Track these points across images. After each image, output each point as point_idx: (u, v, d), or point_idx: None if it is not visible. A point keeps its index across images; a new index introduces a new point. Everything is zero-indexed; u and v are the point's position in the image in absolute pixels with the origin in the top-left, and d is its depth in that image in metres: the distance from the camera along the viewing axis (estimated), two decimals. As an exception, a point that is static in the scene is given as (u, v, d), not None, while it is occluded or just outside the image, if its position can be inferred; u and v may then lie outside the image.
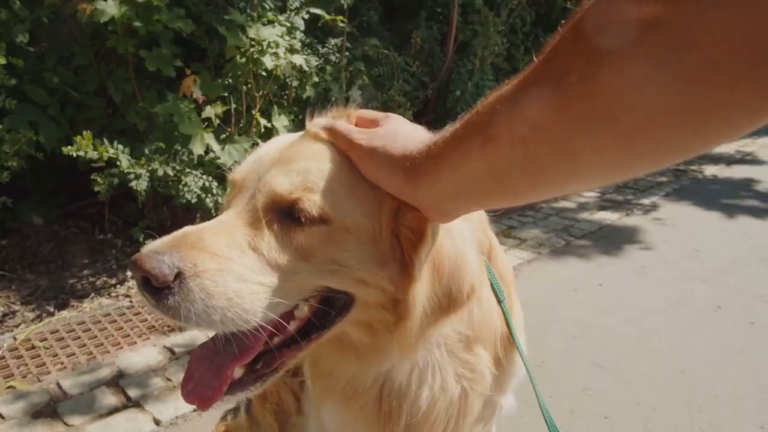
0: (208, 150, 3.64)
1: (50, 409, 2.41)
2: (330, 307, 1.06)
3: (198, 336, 2.96)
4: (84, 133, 3.00)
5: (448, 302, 1.09)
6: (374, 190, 1.00)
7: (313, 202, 0.97)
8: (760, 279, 3.74)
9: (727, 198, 5.70)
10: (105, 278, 3.68)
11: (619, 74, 0.57)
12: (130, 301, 3.35)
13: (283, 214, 0.98)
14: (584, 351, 2.90)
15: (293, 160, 1.02)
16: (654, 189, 5.93)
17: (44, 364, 2.72)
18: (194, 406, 2.38)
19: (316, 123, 1.12)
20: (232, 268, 0.93)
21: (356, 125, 1.09)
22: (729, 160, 7.31)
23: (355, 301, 1.06)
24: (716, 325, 3.16)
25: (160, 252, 0.90)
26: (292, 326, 1.06)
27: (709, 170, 6.78)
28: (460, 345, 1.22)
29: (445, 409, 1.25)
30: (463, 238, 1.11)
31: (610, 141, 0.62)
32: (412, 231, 0.99)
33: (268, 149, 1.11)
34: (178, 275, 0.89)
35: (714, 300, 3.45)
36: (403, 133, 0.98)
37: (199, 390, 1.02)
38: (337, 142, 1.05)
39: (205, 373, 1.03)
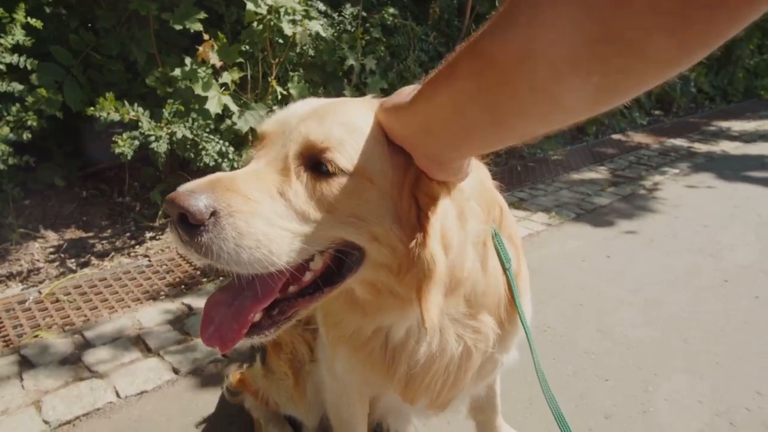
0: (224, 114, 3.70)
1: (75, 356, 2.53)
2: (342, 263, 1.12)
3: (209, 292, 3.06)
4: (107, 94, 3.07)
5: (449, 281, 1.12)
6: (402, 152, 1.06)
7: (341, 153, 1.02)
8: (767, 254, 3.77)
9: (739, 175, 5.67)
10: (125, 239, 3.79)
11: (551, 12, 0.65)
12: (149, 261, 3.46)
13: (312, 165, 1.04)
14: (589, 318, 2.96)
15: (327, 115, 1.08)
16: (666, 166, 5.92)
17: (68, 316, 2.84)
18: (212, 354, 2.49)
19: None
20: (262, 212, 0.98)
21: None
22: (746, 139, 7.24)
23: (365, 258, 1.11)
24: (722, 298, 3.21)
25: (196, 191, 0.95)
26: (307, 277, 1.12)
27: (725, 149, 6.73)
28: (462, 314, 1.29)
29: (445, 365, 1.33)
30: (467, 230, 1.14)
31: (547, 74, 0.70)
32: (428, 197, 1.05)
33: (299, 106, 1.17)
34: (213, 214, 0.94)
35: (721, 274, 3.49)
36: (409, 89, 1.04)
37: (220, 332, 1.07)
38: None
39: (225, 316, 1.08)
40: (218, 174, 1.04)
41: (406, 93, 1.02)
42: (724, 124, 8.16)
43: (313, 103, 1.17)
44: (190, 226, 0.94)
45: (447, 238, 1.07)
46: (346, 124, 1.06)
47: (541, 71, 0.69)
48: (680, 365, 2.59)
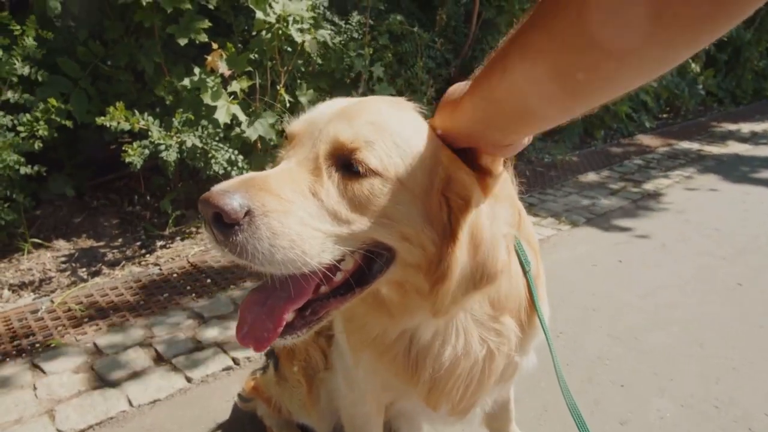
0: (233, 122, 3.72)
1: (88, 365, 2.53)
2: (372, 263, 1.12)
3: (221, 301, 3.07)
4: (117, 104, 3.10)
5: (480, 277, 1.13)
6: (432, 153, 1.08)
7: (371, 154, 1.02)
8: (782, 258, 3.73)
9: (749, 177, 5.63)
10: (135, 248, 3.81)
11: None
12: (160, 269, 3.47)
13: (342, 165, 1.04)
14: (601, 323, 2.94)
15: (357, 115, 1.08)
16: (676, 170, 5.88)
17: (80, 325, 2.85)
18: (224, 365, 2.49)
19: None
20: (296, 211, 0.98)
21: None
22: (755, 143, 7.19)
23: (395, 258, 1.11)
24: (736, 302, 3.17)
25: (230, 191, 0.95)
26: (338, 277, 1.12)
27: (734, 152, 6.68)
28: (487, 316, 1.29)
29: (468, 368, 1.32)
30: (499, 225, 1.15)
31: (597, 58, 0.72)
32: (460, 198, 1.06)
33: (327, 106, 1.17)
34: (247, 213, 0.94)
35: (734, 277, 3.46)
36: (461, 85, 1.08)
37: (255, 332, 1.07)
38: None
39: (259, 316, 1.08)
40: (251, 173, 1.04)
41: (458, 90, 1.05)
42: (733, 127, 8.11)
43: (341, 102, 1.17)
44: (224, 225, 0.94)
45: (478, 236, 1.08)
46: (376, 123, 1.06)
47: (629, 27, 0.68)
48: (695, 370, 2.56)
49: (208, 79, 3.56)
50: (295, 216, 0.98)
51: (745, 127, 8.09)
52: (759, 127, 8.16)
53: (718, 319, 2.98)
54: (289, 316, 1.08)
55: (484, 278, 1.14)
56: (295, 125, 1.17)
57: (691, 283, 3.40)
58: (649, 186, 5.32)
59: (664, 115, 8.55)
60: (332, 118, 1.09)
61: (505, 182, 1.23)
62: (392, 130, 1.07)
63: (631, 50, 0.70)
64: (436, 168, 1.08)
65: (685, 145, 6.96)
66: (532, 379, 2.18)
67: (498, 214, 1.15)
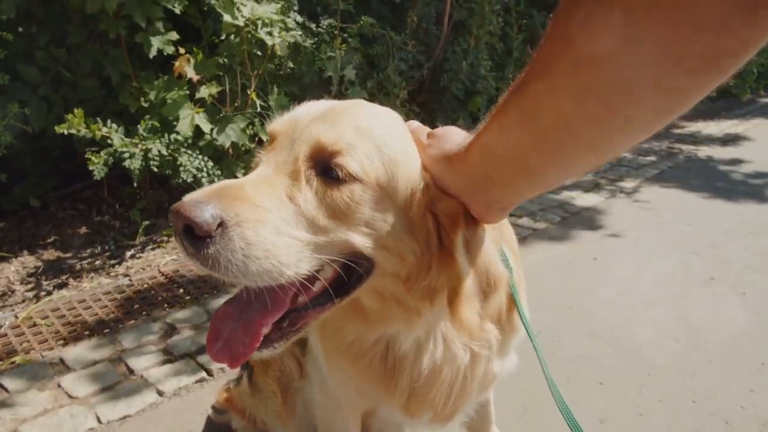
0: (199, 131, 3.64)
1: (54, 382, 2.44)
2: (351, 272, 1.08)
3: (194, 311, 2.99)
4: (75, 110, 3.00)
5: (488, 284, 1.14)
6: (418, 165, 1.06)
7: (352, 158, 0.99)
8: (751, 250, 3.80)
9: (719, 175, 5.75)
10: (104, 258, 3.70)
11: (595, 42, 0.65)
12: (130, 280, 3.38)
13: (323, 169, 1.00)
14: (579, 321, 2.94)
15: (341, 117, 1.05)
16: (647, 167, 5.97)
17: (46, 340, 2.75)
18: (197, 377, 2.42)
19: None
20: (271, 220, 0.94)
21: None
22: (723, 140, 7.35)
23: (375, 268, 1.08)
24: (709, 295, 3.21)
25: (203, 201, 0.90)
26: (316, 287, 1.07)
27: (703, 149, 6.82)
28: None
29: (451, 375, 1.29)
30: (488, 232, 1.15)
31: (597, 109, 0.71)
32: (448, 216, 1.04)
33: (309, 107, 1.13)
34: (220, 225, 0.90)
35: (707, 271, 3.50)
36: (456, 132, 1.06)
37: (230, 347, 1.02)
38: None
39: (234, 331, 1.03)
40: (226, 181, 0.99)
41: (455, 139, 1.02)
42: (701, 125, 8.28)
43: (326, 104, 1.14)
44: (196, 237, 0.89)
45: (475, 245, 1.08)
46: (360, 127, 1.02)
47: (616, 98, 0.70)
48: (672, 365, 2.58)
49: (175, 86, 3.48)
50: (271, 225, 0.94)
51: (712, 125, 8.27)
52: (726, 124, 8.35)
53: (693, 314, 3.00)
54: (265, 329, 1.04)
55: (492, 285, 1.14)
56: (276, 124, 1.13)
57: (666, 278, 3.43)
58: (621, 184, 5.38)
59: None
60: (315, 118, 1.06)
61: None
62: (376, 135, 1.03)
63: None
64: (421, 181, 1.05)
65: (655, 143, 7.08)
66: (511, 380, 2.15)
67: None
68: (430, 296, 1.10)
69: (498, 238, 1.27)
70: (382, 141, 1.03)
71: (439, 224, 1.05)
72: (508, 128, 0.84)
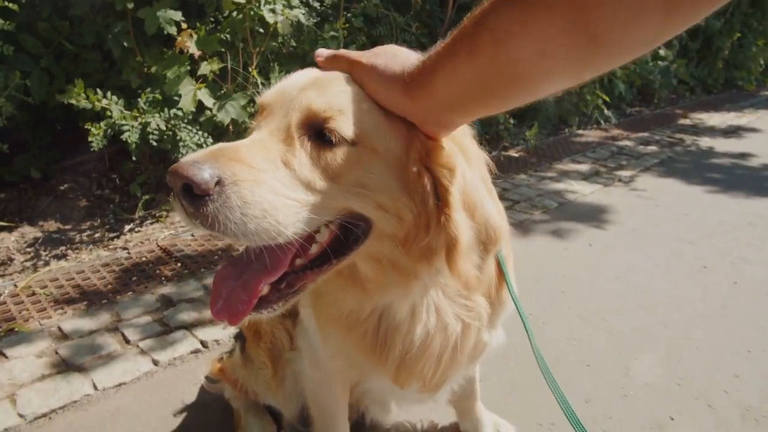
0: (202, 107, 3.64)
1: (51, 350, 2.48)
2: (348, 234, 1.11)
3: (191, 285, 3.03)
4: (76, 81, 3.01)
5: (487, 236, 1.13)
6: (407, 123, 1.06)
7: (344, 123, 1.01)
8: (746, 241, 3.82)
9: (719, 166, 5.74)
10: (103, 231, 3.73)
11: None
12: (128, 253, 3.41)
13: (315, 134, 1.03)
14: (570, 304, 2.98)
15: (329, 84, 1.07)
16: (647, 157, 5.96)
17: (45, 309, 2.79)
18: (192, 348, 2.46)
19: (320, 53, 1.17)
20: (267, 180, 0.97)
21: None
22: (725, 131, 7.32)
23: (372, 229, 1.10)
24: (701, 284, 3.24)
25: (200, 161, 0.93)
26: (314, 249, 1.11)
27: (704, 140, 6.80)
28: (459, 294, 1.29)
29: (442, 344, 1.32)
30: (478, 186, 1.15)
31: (568, 36, 0.72)
32: (445, 167, 1.05)
33: (298, 77, 1.15)
34: (218, 183, 0.92)
35: (700, 260, 3.53)
36: (401, 53, 1.05)
37: (229, 305, 1.05)
38: (340, 65, 1.11)
39: (233, 290, 1.07)
40: (221, 144, 1.02)
41: (403, 58, 1.02)
42: (704, 115, 8.24)
43: (313, 73, 1.15)
44: (194, 197, 0.92)
45: (471, 198, 1.09)
46: (348, 92, 1.05)
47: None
48: (660, 349, 2.61)
49: (176, 62, 3.48)
50: (267, 185, 0.96)
51: (716, 116, 8.22)
52: (729, 116, 8.31)
53: (683, 301, 3.04)
54: (264, 289, 1.07)
55: (491, 237, 1.14)
56: (266, 95, 1.15)
57: (660, 266, 3.46)
58: (620, 172, 5.38)
59: (637, 105, 8.65)
60: (304, 87, 1.08)
61: (473, 144, 1.23)
62: (364, 100, 1.05)
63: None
64: (412, 138, 1.07)
65: (657, 133, 7.06)
66: (500, 359, 2.19)
67: (477, 176, 1.16)
68: (428, 256, 1.11)
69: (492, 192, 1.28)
70: (371, 106, 1.05)
71: (434, 179, 1.06)
72: (481, 53, 0.83)
